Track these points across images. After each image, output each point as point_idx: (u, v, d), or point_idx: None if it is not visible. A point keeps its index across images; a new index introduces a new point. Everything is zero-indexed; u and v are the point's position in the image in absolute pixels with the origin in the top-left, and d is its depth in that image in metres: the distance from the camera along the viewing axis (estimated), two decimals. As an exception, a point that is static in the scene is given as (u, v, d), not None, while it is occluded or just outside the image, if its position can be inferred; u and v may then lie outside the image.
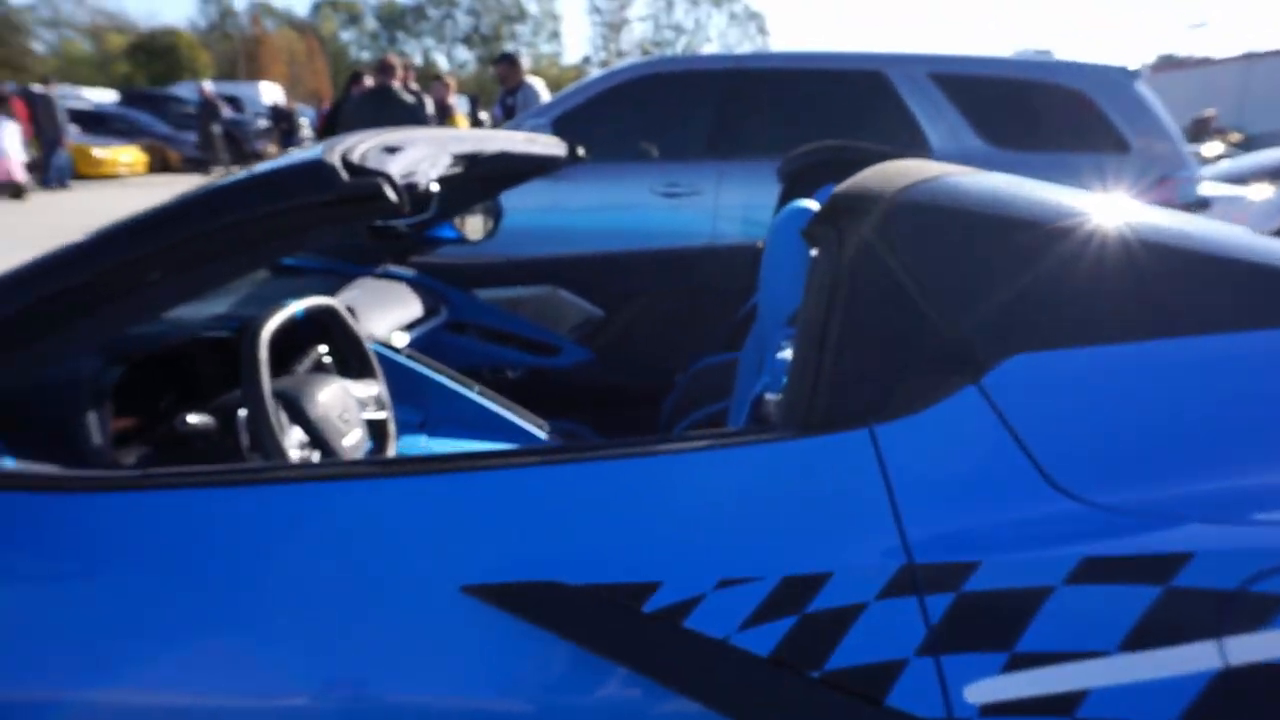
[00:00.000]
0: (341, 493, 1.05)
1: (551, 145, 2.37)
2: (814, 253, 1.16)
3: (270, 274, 2.51)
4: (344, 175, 1.15)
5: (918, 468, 1.01)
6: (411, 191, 1.36)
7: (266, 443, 1.35)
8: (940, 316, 1.06)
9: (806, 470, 1.03)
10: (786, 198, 2.54)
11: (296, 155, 1.24)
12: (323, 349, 1.75)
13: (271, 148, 18.34)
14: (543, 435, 2.08)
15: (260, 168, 1.21)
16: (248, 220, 1.14)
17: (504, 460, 1.06)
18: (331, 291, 2.40)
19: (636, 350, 2.80)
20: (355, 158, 1.20)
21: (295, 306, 1.51)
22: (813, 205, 1.41)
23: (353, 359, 1.71)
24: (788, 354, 1.28)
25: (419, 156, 1.47)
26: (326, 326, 1.66)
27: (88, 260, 1.16)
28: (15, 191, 12.30)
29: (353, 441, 1.55)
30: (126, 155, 16.67)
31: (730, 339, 2.58)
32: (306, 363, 1.69)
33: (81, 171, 15.00)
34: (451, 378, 2.10)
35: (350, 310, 2.00)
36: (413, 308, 2.55)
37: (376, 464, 1.14)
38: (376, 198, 1.15)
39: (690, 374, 2.57)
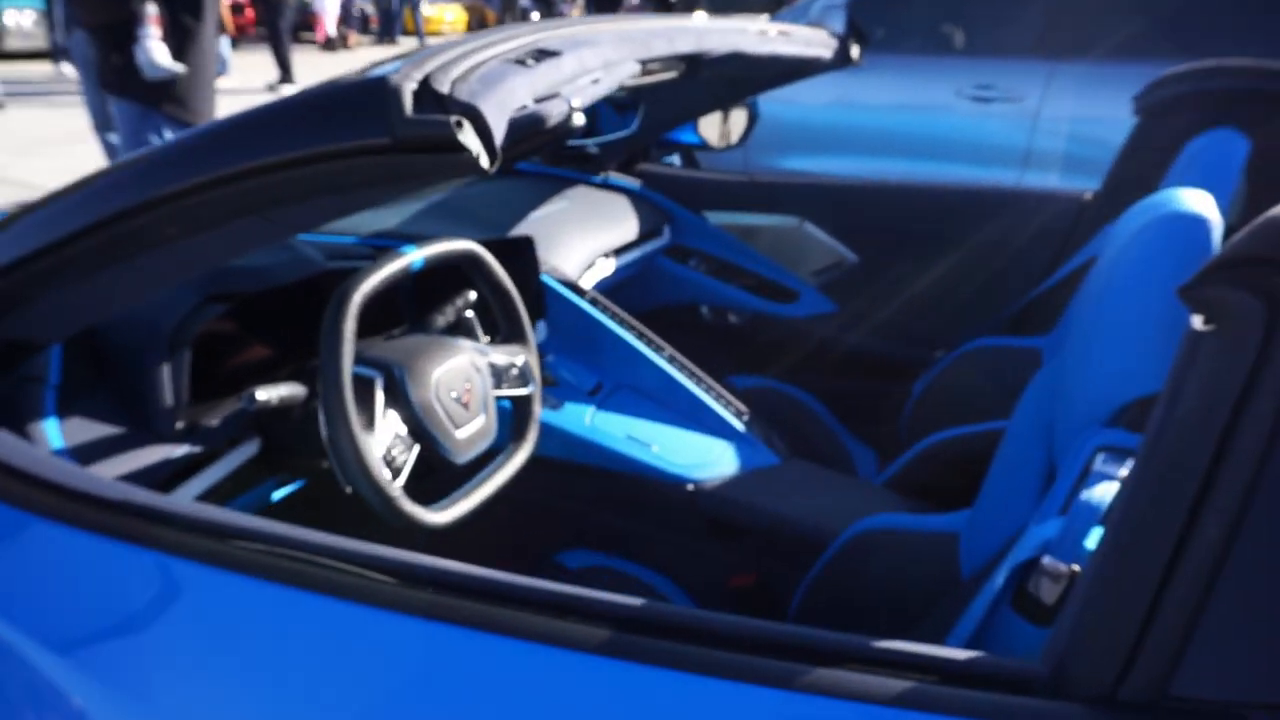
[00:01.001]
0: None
1: (814, 43, 1.81)
2: (1199, 323, 0.60)
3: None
4: (408, 109, 0.75)
5: None
6: (533, 126, 0.93)
7: (338, 437, 1.04)
8: None
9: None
10: (1143, 139, 1.80)
11: (370, 71, 0.85)
12: (471, 297, 1.41)
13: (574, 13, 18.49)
14: (737, 425, 1.65)
15: (313, 88, 0.84)
16: (271, 168, 0.78)
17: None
18: (536, 201, 2.07)
19: (892, 310, 2.23)
20: (445, 81, 0.79)
21: (410, 257, 1.16)
22: (1195, 201, 0.80)
23: (501, 317, 1.36)
24: (1101, 492, 0.73)
25: (576, 69, 1.03)
26: (472, 274, 1.31)
27: (96, 204, 0.87)
28: (344, 41, 13.54)
29: (472, 431, 1.21)
30: (450, 14, 17.62)
31: (1017, 320, 1.95)
32: (443, 318, 1.36)
33: (408, 28, 16.05)
34: (640, 335, 1.70)
35: (520, 247, 1.64)
36: (627, 227, 2.16)
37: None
38: (444, 147, 0.74)
39: (955, 354, 1.99)
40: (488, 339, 1.35)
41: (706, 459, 1.56)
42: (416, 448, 1.15)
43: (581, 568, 1.52)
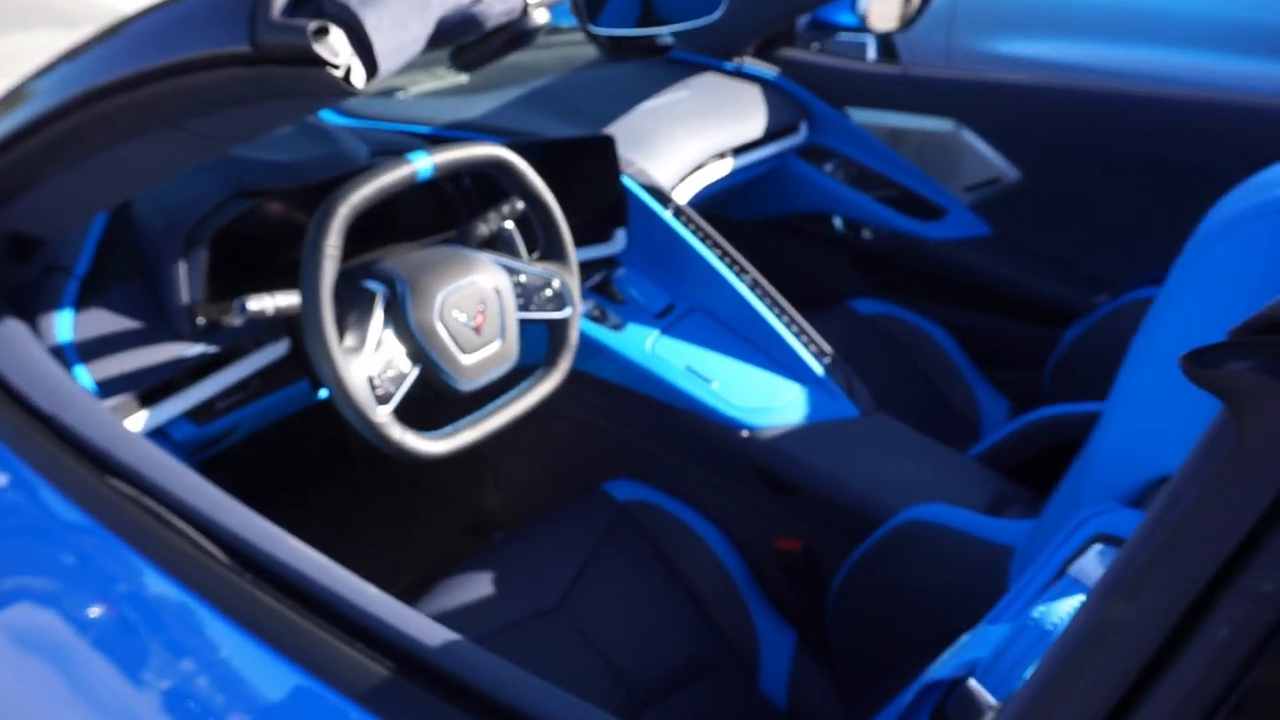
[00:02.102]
0: None
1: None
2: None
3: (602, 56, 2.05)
4: (275, 13, 0.63)
5: None
6: (464, 28, 0.78)
7: (316, 360, 0.99)
8: None
9: None
10: None
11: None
12: (519, 206, 1.30)
13: None
14: (816, 369, 1.45)
15: None
16: (150, 77, 0.69)
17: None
18: (649, 91, 1.88)
19: (1054, 241, 1.89)
20: None
21: (415, 165, 1.05)
22: None
23: (539, 231, 1.24)
24: (1066, 607, 0.52)
25: None
26: (505, 182, 1.19)
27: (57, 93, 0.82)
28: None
29: (482, 356, 1.12)
30: None
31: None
32: (485, 228, 1.25)
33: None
34: (725, 255, 1.52)
35: (600, 147, 1.49)
36: (754, 123, 1.93)
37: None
38: (305, 59, 0.61)
39: (1119, 302, 1.66)
40: (536, 255, 1.24)
41: (770, 403, 1.40)
42: (417, 370, 1.08)
43: (629, 500, 1.43)
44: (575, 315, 1.25)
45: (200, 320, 1.16)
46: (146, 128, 0.75)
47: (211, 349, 1.17)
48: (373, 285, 1.08)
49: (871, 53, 2.30)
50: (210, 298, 1.17)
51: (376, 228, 1.27)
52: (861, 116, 2.04)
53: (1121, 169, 1.74)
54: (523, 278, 1.20)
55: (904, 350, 1.89)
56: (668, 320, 1.50)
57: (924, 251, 1.98)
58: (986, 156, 1.90)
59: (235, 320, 1.20)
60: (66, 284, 1.09)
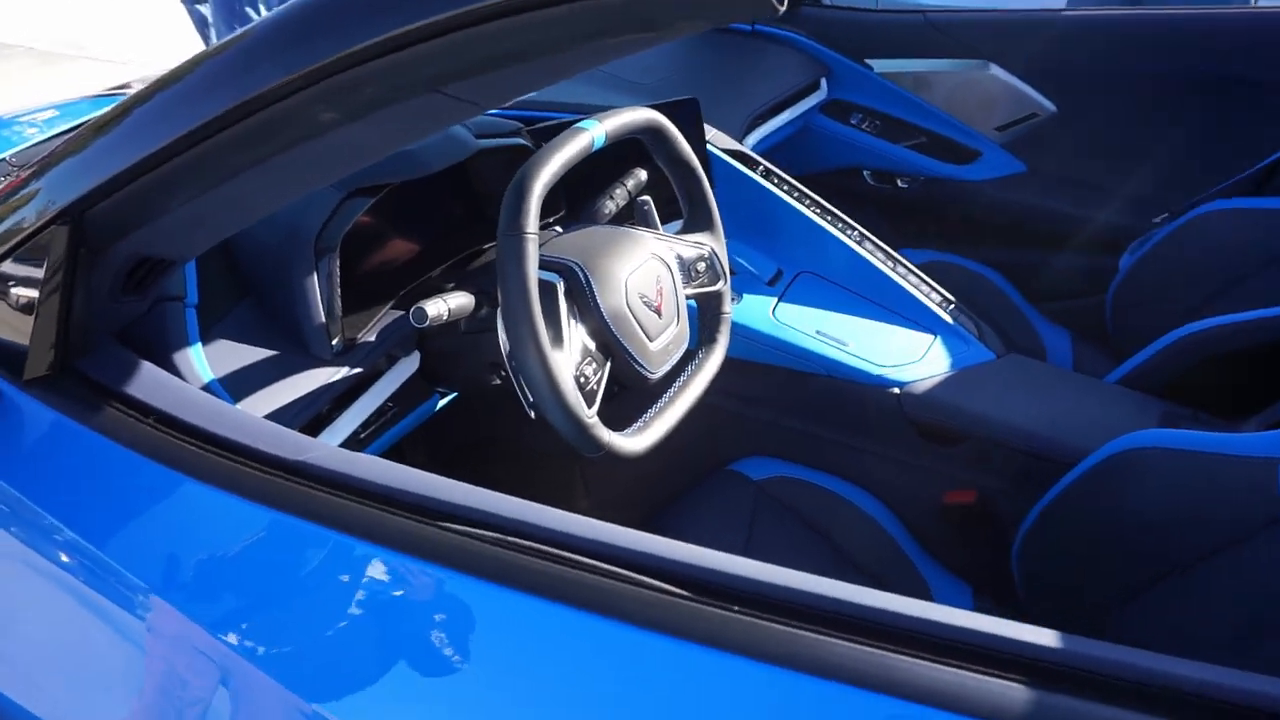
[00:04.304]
0: None
1: None
2: None
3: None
4: None
5: None
6: None
7: (526, 358, 0.86)
8: None
9: None
10: None
11: None
12: (642, 177, 1.20)
13: None
14: (943, 316, 1.41)
15: None
16: (457, 24, 0.57)
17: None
18: (670, 56, 1.79)
19: (1097, 170, 1.91)
20: None
21: (591, 133, 0.94)
22: None
23: (685, 200, 1.14)
24: None
25: None
26: (654, 148, 1.09)
27: (224, 89, 0.67)
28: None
29: (667, 340, 1.03)
30: None
31: (1267, 177, 1.61)
32: (612, 204, 1.15)
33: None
34: (824, 212, 1.46)
35: (683, 111, 1.40)
36: (777, 83, 1.88)
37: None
38: None
39: (1182, 220, 1.68)
40: (679, 226, 1.15)
41: (911, 358, 1.35)
42: (608, 364, 0.97)
43: (767, 478, 1.35)
44: (728, 285, 1.16)
45: (335, 340, 1.01)
46: (404, 97, 0.62)
47: (355, 371, 1.03)
48: (546, 276, 0.97)
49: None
50: (345, 312, 1.02)
51: (399, 230, 1.14)
52: (884, 66, 2.01)
53: (1163, 92, 1.77)
54: (679, 251, 1.10)
55: (962, 297, 1.88)
56: (780, 286, 1.42)
57: (962, 195, 1.97)
58: (1018, 92, 1.91)
59: (370, 335, 1.06)
60: (186, 314, 0.93)
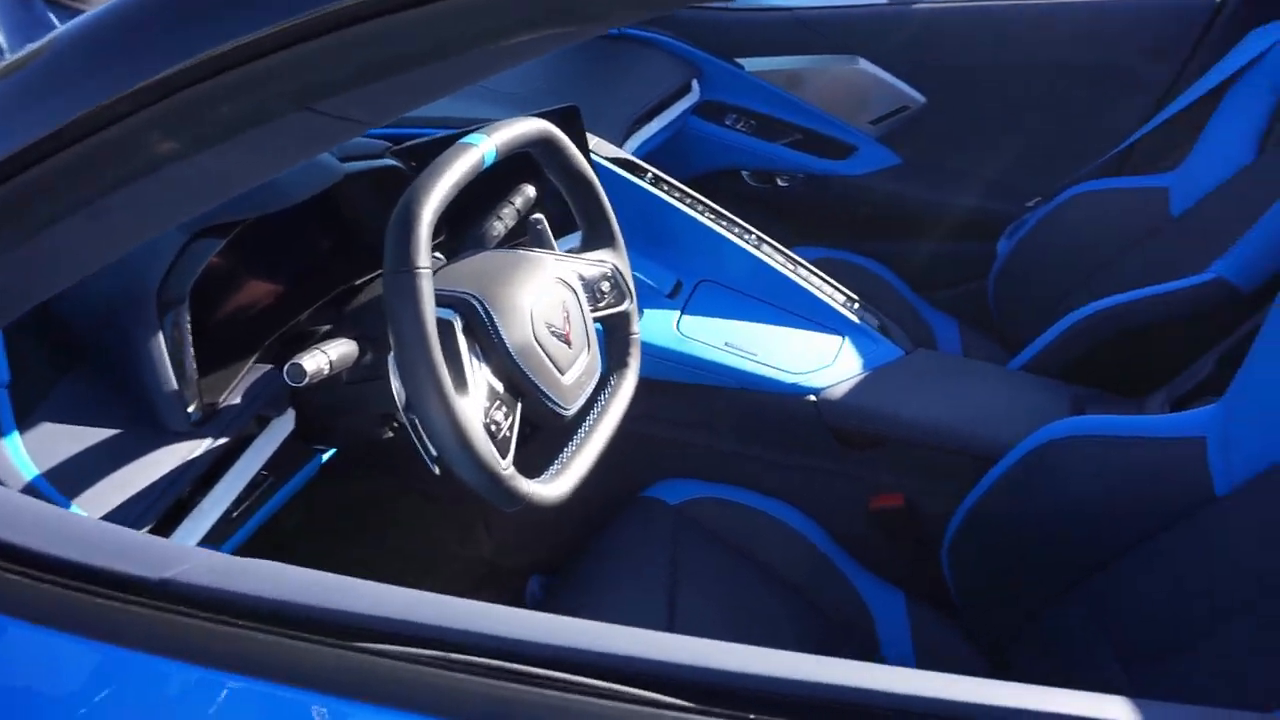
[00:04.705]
0: None
1: None
2: None
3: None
4: None
5: None
6: None
7: (430, 409, 0.75)
8: None
9: None
10: None
11: None
12: (530, 193, 1.09)
13: None
14: (849, 316, 1.38)
15: None
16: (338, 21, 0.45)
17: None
18: (536, 63, 1.70)
19: (970, 158, 1.94)
20: None
21: (480, 149, 0.84)
22: None
23: (582, 216, 1.05)
24: None
25: None
26: (538, 163, 0.99)
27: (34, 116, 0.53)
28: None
29: (579, 372, 0.93)
30: None
31: (1126, 157, 1.67)
32: (500, 225, 1.04)
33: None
34: (719, 218, 1.40)
35: (565, 120, 1.30)
36: (649, 87, 1.81)
37: None
38: None
39: (1054, 204, 1.72)
40: (576, 245, 1.05)
41: (822, 362, 1.30)
42: (519, 405, 0.87)
43: (685, 501, 1.28)
44: (634, 304, 1.07)
45: (192, 408, 0.86)
46: (267, 117, 0.50)
47: (220, 442, 0.87)
48: (442, 313, 0.85)
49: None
50: (201, 373, 0.87)
51: (258, 271, 1.00)
52: (755, 65, 1.98)
53: (1027, 79, 1.81)
54: (584, 271, 1.01)
55: (852, 290, 1.87)
56: (681, 298, 1.35)
57: (841, 190, 1.97)
58: (889, 86, 1.91)
59: (234, 397, 0.91)
60: None
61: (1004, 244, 1.82)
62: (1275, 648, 0.79)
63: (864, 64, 1.92)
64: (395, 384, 0.84)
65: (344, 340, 0.88)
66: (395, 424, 0.98)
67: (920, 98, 1.91)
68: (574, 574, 1.24)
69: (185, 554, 0.55)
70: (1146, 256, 1.53)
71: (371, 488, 1.45)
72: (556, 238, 1.04)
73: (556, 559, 1.37)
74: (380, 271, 1.09)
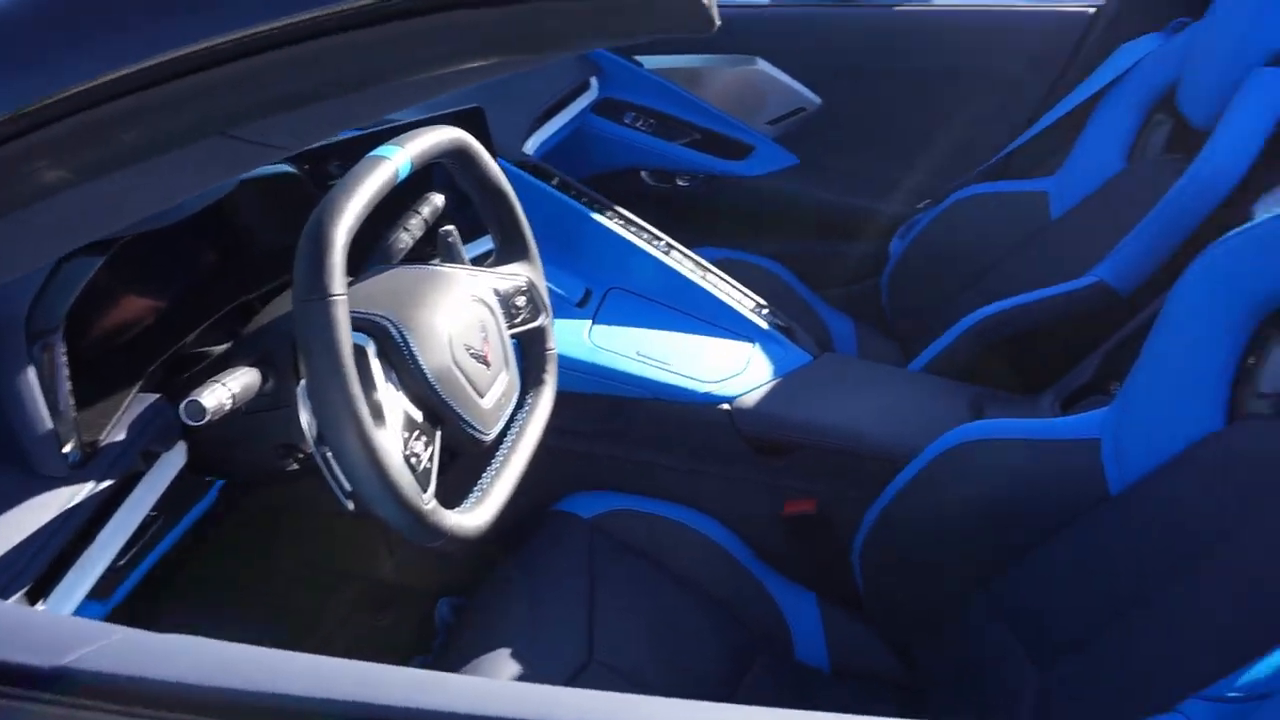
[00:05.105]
0: None
1: None
2: None
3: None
4: None
5: None
6: None
7: (347, 443, 0.70)
8: None
9: None
10: None
11: None
12: (438, 203, 1.05)
13: None
14: (758, 322, 1.39)
15: None
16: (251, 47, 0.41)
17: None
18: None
19: (865, 160, 1.99)
20: None
21: (394, 161, 0.79)
22: None
23: (496, 227, 1.01)
24: None
25: None
26: (459, 172, 0.95)
27: None
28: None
29: (499, 394, 0.90)
30: None
31: (1012, 161, 1.75)
32: (406, 238, 0.99)
33: None
34: (628, 224, 1.38)
35: (469, 123, 1.25)
36: (547, 85, 1.77)
37: None
38: None
39: (943, 206, 1.78)
40: (491, 259, 1.01)
41: (734, 370, 1.31)
42: (438, 433, 0.83)
43: (600, 514, 1.26)
44: (550, 319, 1.05)
45: (69, 448, 0.78)
46: (179, 142, 0.45)
47: (104, 485, 0.80)
48: (355, 338, 0.80)
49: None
50: (79, 407, 0.79)
51: (139, 290, 0.93)
52: (655, 63, 1.96)
53: (918, 84, 1.87)
54: (498, 286, 0.97)
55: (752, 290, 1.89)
56: (591, 307, 1.33)
57: (740, 190, 1.98)
58: (786, 87, 1.93)
59: (118, 433, 0.84)
60: None
61: (897, 244, 1.88)
62: (1171, 642, 0.84)
63: (763, 65, 1.93)
64: (305, 416, 0.79)
65: (245, 369, 0.82)
66: (300, 455, 0.92)
67: (816, 99, 1.94)
68: (486, 595, 1.20)
69: (83, 633, 0.49)
70: (1030, 257, 1.60)
71: (265, 504, 1.37)
72: (463, 244, 1.00)
73: (466, 579, 1.33)
74: (277, 285, 1.03)
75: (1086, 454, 1.00)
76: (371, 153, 0.79)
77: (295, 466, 0.93)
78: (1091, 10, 1.74)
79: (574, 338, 1.26)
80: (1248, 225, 0.90)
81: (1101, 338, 1.35)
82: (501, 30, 0.41)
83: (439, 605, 1.39)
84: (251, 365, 0.84)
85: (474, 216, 1.30)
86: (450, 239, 0.99)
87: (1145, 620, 0.87)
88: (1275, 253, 0.85)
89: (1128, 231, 1.33)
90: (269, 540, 1.42)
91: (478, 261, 1.08)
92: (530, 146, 1.65)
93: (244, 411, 0.87)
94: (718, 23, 0.44)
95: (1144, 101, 1.53)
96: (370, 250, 1.01)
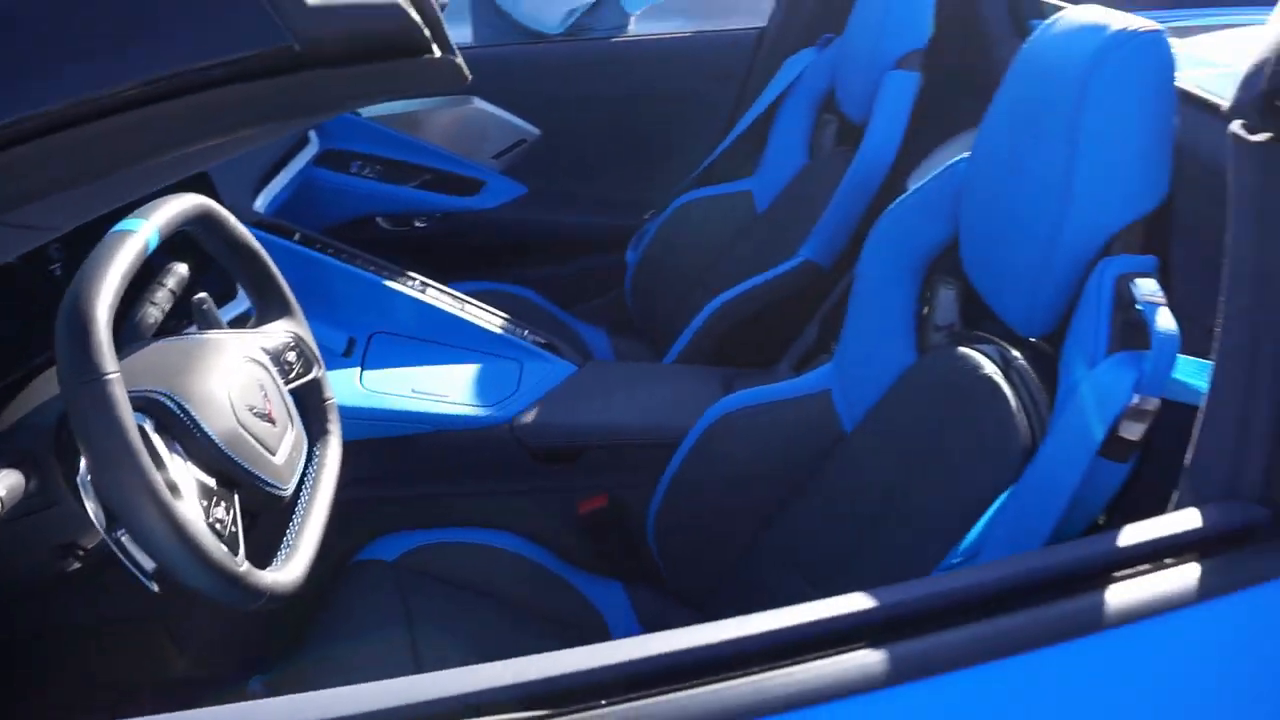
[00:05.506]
0: None
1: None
2: (1256, 138, 0.60)
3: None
4: None
5: None
6: None
7: (149, 524, 0.70)
8: None
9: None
10: None
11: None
12: (182, 271, 1.03)
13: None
14: (522, 341, 1.47)
15: None
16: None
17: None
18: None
19: (589, 181, 2.13)
20: None
21: (141, 234, 0.78)
22: (1140, 23, 0.78)
23: (253, 288, 1.01)
24: (1165, 319, 0.73)
25: None
26: (207, 238, 0.94)
27: None
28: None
29: (288, 449, 0.91)
30: None
31: (716, 168, 1.96)
32: (156, 310, 0.97)
33: None
34: (379, 268, 1.40)
35: (210, 190, 1.23)
36: (271, 143, 1.75)
37: None
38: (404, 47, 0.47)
39: (666, 214, 1.96)
40: (253, 320, 1.01)
41: (508, 390, 1.38)
42: (236, 496, 0.83)
43: (403, 554, 1.28)
44: (323, 369, 1.06)
45: None
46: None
47: None
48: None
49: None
50: None
51: None
52: (373, 111, 1.98)
53: (627, 106, 2.04)
54: (265, 345, 0.98)
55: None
56: (357, 355, 1.34)
57: (479, 224, 2.05)
58: (505, 121, 2.03)
59: None
60: None
61: (631, 254, 2.03)
62: (910, 538, 1.02)
63: (479, 102, 2.02)
64: (91, 505, 0.76)
65: (3, 473, 0.77)
66: (80, 551, 0.87)
67: (535, 130, 2.06)
68: (299, 664, 1.18)
69: None
70: (746, 248, 1.81)
71: (25, 626, 1.24)
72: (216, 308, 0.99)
73: (273, 653, 1.29)
74: (13, 378, 0.96)
75: (821, 404, 1.18)
76: (115, 227, 0.78)
77: (77, 565, 0.88)
78: (756, 31, 2.01)
79: (346, 387, 1.27)
80: (902, 196, 1.11)
81: (816, 307, 1.57)
82: (281, 99, 0.46)
83: (250, 686, 1.33)
84: (9, 468, 0.79)
85: (218, 280, 1.27)
86: (205, 306, 0.98)
87: (889, 527, 1.05)
88: (925, 214, 1.07)
89: (820, 215, 1.56)
90: (36, 668, 1.29)
91: (235, 324, 1.07)
92: (259, 205, 1.62)
93: (7, 519, 0.81)
94: (469, 76, 0.51)
95: (812, 105, 1.80)
96: (117, 331, 0.97)
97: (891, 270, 1.11)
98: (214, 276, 1.22)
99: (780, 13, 1.96)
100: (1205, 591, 0.52)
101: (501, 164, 2.09)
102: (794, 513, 1.21)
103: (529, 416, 1.34)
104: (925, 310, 1.12)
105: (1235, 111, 0.62)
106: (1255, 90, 0.60)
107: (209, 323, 0.98)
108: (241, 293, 1.30)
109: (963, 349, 1.00)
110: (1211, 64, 1.20)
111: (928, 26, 1.48)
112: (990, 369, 0.95)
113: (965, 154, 1.02)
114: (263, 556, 0.85)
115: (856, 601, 0.54)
